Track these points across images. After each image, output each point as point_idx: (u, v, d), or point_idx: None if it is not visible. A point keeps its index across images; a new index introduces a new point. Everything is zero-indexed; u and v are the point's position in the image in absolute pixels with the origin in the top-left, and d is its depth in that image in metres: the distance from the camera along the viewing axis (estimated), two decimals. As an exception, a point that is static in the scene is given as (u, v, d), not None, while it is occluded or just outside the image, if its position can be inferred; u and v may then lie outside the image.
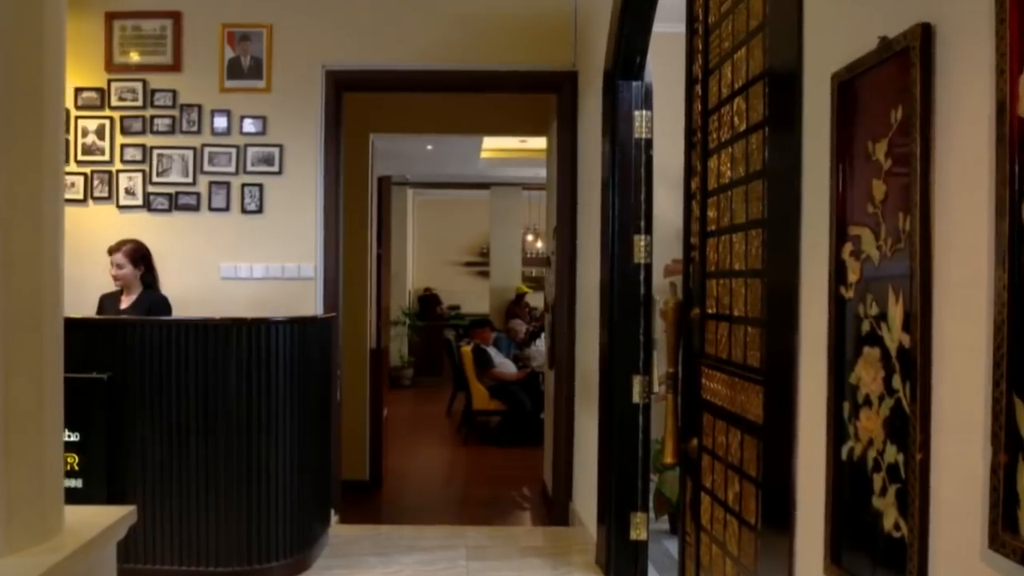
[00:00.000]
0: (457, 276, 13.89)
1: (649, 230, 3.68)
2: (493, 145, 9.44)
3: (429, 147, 8.97)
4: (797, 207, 1.60)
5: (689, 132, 2.35)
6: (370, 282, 6.19)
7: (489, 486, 6.20)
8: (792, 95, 1.62)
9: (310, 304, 4.56)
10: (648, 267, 3.66)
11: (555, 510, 4.82)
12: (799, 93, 1.60)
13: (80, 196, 4.48)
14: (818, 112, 1.50)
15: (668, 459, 2.26)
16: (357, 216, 5.78)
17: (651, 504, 3.93)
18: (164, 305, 4.05)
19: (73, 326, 3.70)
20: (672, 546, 3.94)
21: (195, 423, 3.58)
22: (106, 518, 1.90)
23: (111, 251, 4.01)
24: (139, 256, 4.04)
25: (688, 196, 2.34)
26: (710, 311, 2.17)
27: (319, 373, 4.12)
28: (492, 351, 7.87)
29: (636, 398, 3.65)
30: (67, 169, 4.46)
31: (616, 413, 3.67)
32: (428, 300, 12.97)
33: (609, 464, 3.73)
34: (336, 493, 4.63)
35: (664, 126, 3.65)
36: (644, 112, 3.71)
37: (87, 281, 4.13)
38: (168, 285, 4.34)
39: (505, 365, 7.89)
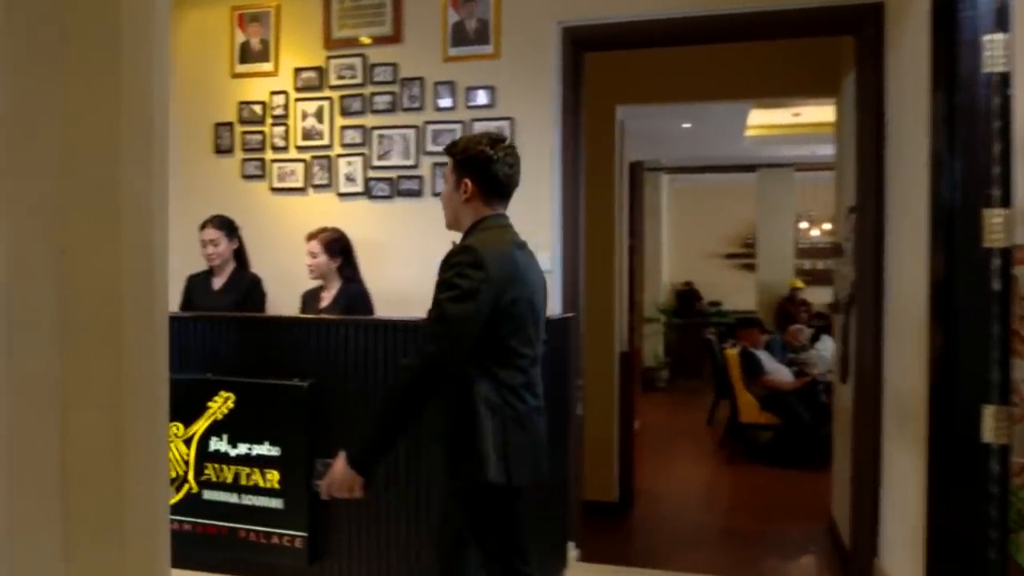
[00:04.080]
0: (718, 269, 12.73)
1: (1007, 200, 2.54)
2: (760, 121, 8.29)
3: (686, 125, 8.02)
4: None
5: None
6: (619, 277, 5.42)
7: (759, 517, 5.19)
8: None
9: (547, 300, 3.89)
10: (1007, 252, 2.54)
11: (855, 566, 3.75)
12: None
13: (300, 184, 4.15)
14: None
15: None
16: (603, 201, 5.05)
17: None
18: (362, 298, 3.57)
19: (273, 326, 3.42)
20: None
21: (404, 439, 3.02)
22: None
23: (309, 237, 3.60)
24: (337, 246, 3.60)
25: None
26: None
27: (553, 383, 3.43)
28: (763, 356, 6.79)
29: (987, 436, 2.53)
30: (287, 156, 4.17)
31: (955, 454, 2.60)
32: (686, 296, 11.99)
33: (943, 522, 2.67)
34: (575, 521, 3.93)
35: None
36: (998, 36, 2.58)
37: (305, 276, 3.75)
38: (390, 279, 3.89)
39: (778, 372, 6.77)
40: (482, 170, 2.16)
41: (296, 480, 2.97)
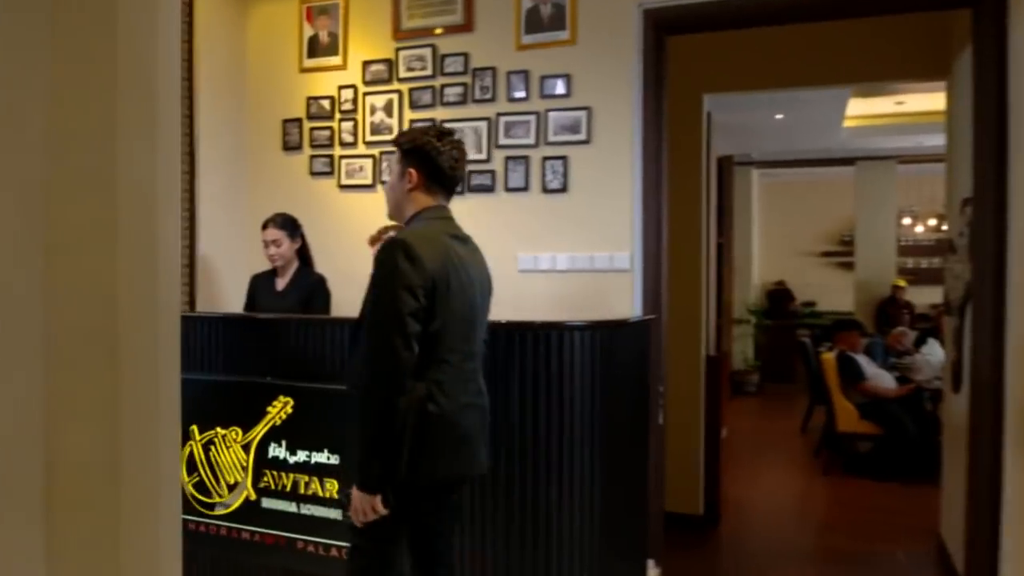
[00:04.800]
0: (812, 268, 12.16)
1: None
2: (859, 111, 7.82)
3: (778, 117, 7.60)
4: None
5: None
6: (706, 276, 5.12)
7: (858, 535, 4.80)
8: None
9: (625, 302, 3.65)
10: None
11: (969, 598, 3.38)
12: None
13: (368, 180, 4.03)
14: None
15: None
16: (688, 197, 4.77)
17: None
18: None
19: (332, 328, 3.27)
20: None
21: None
22: None
23: (371, 241, 3.45)
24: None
25: None
26: None
27: (631, 390, 3.21)
28: (862, 360, 6.34)
29: None
30: (355, 152, 4.05)
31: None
32: (778, 295, 11.47)
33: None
34: (655, 537, 3.67)
35: None
36: None
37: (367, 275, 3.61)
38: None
39: (880, 378, 6.31)
40: (427, 161, 2.19)
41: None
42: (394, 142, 2.31)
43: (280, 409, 2.90)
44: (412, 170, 2.22)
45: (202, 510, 3.11)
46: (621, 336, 3.10)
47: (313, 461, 2.86)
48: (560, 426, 2.80)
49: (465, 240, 2.26)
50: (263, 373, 2.99)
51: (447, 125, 3.62)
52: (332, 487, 2.83)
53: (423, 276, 2.01)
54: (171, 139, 1.21)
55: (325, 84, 4.13)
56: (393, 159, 2.30)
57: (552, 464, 2.80)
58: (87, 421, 1.08)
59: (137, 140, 1.13)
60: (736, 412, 8.38)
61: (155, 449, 1.16)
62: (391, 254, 2.03)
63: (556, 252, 3.74)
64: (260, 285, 3.67)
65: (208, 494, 3.09)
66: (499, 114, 3.81)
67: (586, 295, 3.69)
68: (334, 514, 2.83)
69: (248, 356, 3.07)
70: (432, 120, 3.90)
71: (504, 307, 3.77)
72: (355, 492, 2.04)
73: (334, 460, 2.83)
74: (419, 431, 2.03)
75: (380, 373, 1.98)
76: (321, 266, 3.83)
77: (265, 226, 3.60)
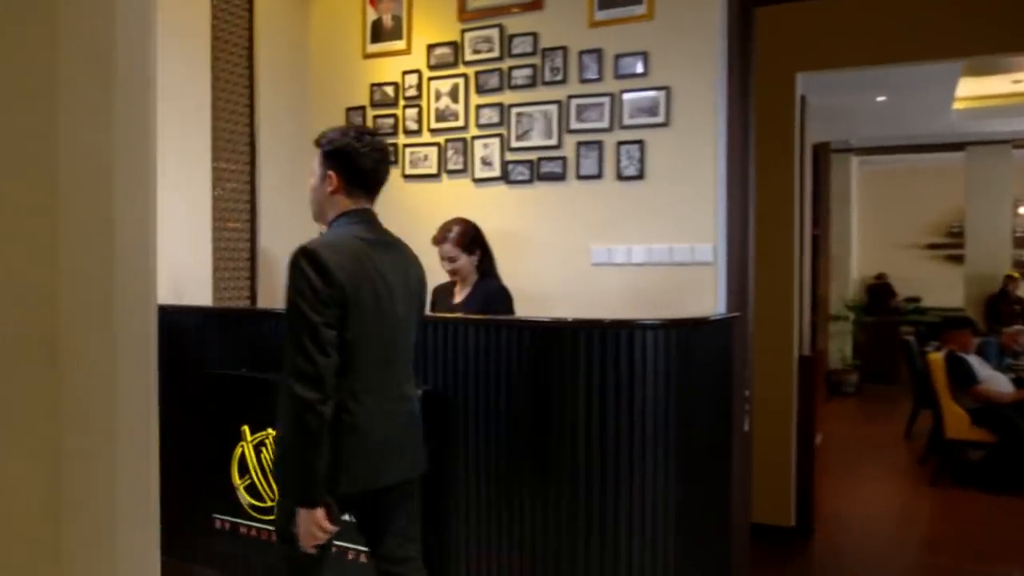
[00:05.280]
0: (916, 261, 11.45)
1: None
2: (971, 91, 7.24)
3: (880, 99, 7.10)
4: None
5: None
6: (799, 270, 4.75)
7: (968, 553, 4.36)
8: None
9: (707, 297, 3.37)
10: None
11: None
12: None
13: (433, 170, 3.85)
14: None
15: None
16: (780, 186, 4.42)
17: None
18: (503, 297, 3.17)
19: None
20: None
21: (527, 459, 2.63)
22: None
23: (435, 241, 3.22)
24: (470, 239, 3.22)
25: None
26: None
27: (711, 394, 2.93)
28: (974, 361, 5.81)
29: None
30: (420, 140, 3.87)
31: None
32: (878, 290, 10.83)
33: None
34: (740, 553, 3.37)
35: None
36: None
37: (439, 270, 3.41)
38: (529, 275, 3.50)
39: (994, 380, 5.77)
40: (347, 163, 2.15)
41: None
42: (315, 143, 2.26)
43: (331, 411, 2.74)
44: (332, 173, 2.18)
45: (254, 514, 2.99)
46: (700, 335, 2.82)
47: (365, 467, 2.69)
48: (630, 435, 2.55)
49: (389, 244, 2.22)
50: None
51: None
52: (384, 495, 2.66)
53: (331, 285, 1.99)
54: (138, 111, 1.03)
55: (389, 70, 3.97)
56: (314, 161, 2.25)
57: (621, 476, 2.56)
58: (19, 445, 0.90)
59: (86, 111, 0.94)
60: (832, 415, 7.90)
61: (111, 475, 0.98)
62: (298, 263, 2.02)
63: (632, 244, 3.49)
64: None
65: (260, 498, 2.97)
66: (570, 96, 3.57)
67: (664, 290, 3.42)
68: (386, 524, 2.66)
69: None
70: (500, 105, 3.69)
71: (575, 303, 3.54)
72: (299, 513, 2.02)
73: (386, 466, 2.65)
74: (333, 441, 2.01)
75: (302, 383, 1.96)
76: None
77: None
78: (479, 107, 3.74)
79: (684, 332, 2.68)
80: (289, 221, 3.93)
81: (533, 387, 2.64)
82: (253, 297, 3.79)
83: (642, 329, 2.58)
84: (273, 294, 3.91)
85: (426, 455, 2.28)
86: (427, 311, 3.07)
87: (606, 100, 3.50)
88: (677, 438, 2.60)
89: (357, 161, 2.16)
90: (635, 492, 2.55)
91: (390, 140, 3.96)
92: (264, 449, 2.94)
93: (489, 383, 2.69)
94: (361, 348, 2.05)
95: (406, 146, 3.92)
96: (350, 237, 2.11)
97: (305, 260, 2.00)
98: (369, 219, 2.21)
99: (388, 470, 2.13)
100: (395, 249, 2.24)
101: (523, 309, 3.35)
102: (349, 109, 4.07)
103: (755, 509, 3.78)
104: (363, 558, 2.74)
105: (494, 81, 3.71)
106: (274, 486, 2.89)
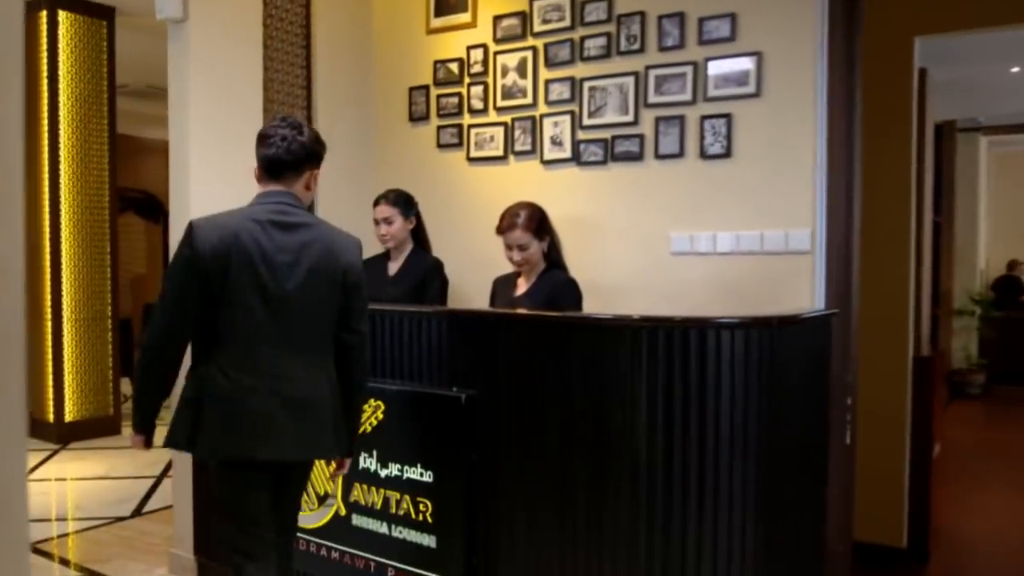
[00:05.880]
0: (1052, 251, 10.45)
1: None
2: (1122, 58, 6.40)
3: (1015, 69, 6.41)
4: None
5: None
6: (916, 261, 4.23)
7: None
8: None
9: (803, 290, 2.98)
10: None
11: None
12: None
13: (499, 152, 3.57)
14: None
15: None
16: (894, 167, 3.93)
17: None
18: (570, 289, 2.87)
19: (433, 319, 2.88)
20: None
21: (583, 467, 2.32)
22: None
23: (500, 230, 2.96)
24: (539, 224, 2.93)
25: None
26: None
27: (804, 404, 2.54)
28: (1124, 366, 5.12)
29: None
30: (485, 120, 3.61)
31: None
32: (1009, 283, 9.94)
33: None
34: (842, 579, 2.97)
35: None
36: None
37: (503, 260, 3.13)
38: (602, 265, 3.21)
39: None
40: (257, 151, 2.30)
41: (452, 515, 2.37)
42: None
43: (371, 414, 2.51)
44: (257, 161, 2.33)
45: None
46: (789, 335, 2.43)
47: (405, 477, 2.45)
48: (701, 448, 2.21)
49: (292, 224, 2.23)
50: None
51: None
52: (425, 508, 2.41)
53: (200, 258, 2.12)
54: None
55: (453, 45, 3.72)
56: None
57: (690, 494, 2.21)
58: None
59: None
60: (954, 420, 7.22)
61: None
62: (183, 236, 2.17)
63: (717, 231, 3.12)
64: (371, 271, 3.30)
65: (299, 504, 2.78)
66: (648, 67, 3.22)
67: (754, 282, 3.05)
68: (428, 540, 2.41)
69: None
70: (571, 79, 3.38)
71: (653, 296, 3.20)
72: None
73: (427, 478, 2.40)
74: (196, 406, 2.15)
75: (151, 338, 2.17)
76: (448, 248, 3.43)
77: (377, 203, 3.26)
78: (548, 82, 3.43)
79: (768, 332, 2.30)
80: (350, 209, 3.72)
81: (588, 391, 2.32)
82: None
83: (716, 328, 2.22)
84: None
85: (334, 442, 2.24)
86: (361, 297, 2.73)
87: (688, 70, 3.14)
88: (758, 457, 2.23)
89: (260, 148, 2.29)
90: (706, 521, 2.20)
91: (454, 120, 3.71)
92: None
93: (540, 386, 2.39)
94: (231, 322, 2.15)
95: (471, 127, 3.66)
96: (240, 216, 2.21)
97: (186, 233, 2.16)
98: (272, 201, 2.26)
99: (255, 445, 2.16)
100: (301, 231, 2.25)
101: (594, 303, 3.04)
102: (412, 88, 3.83)
103: (861, 526, 3.36)
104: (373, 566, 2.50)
105: (565, 53, 3.39)
106: (313, 491, 2.71)
